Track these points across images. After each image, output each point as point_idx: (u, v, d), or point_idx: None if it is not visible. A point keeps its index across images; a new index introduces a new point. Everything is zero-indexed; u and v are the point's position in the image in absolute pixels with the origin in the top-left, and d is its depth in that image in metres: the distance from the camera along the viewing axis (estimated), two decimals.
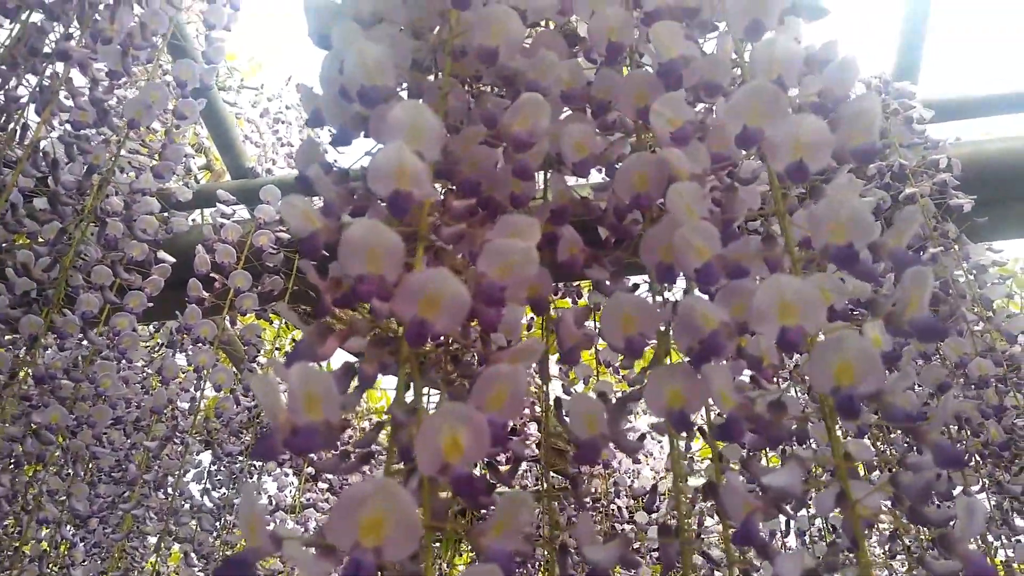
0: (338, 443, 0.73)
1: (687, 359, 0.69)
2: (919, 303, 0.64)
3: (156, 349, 2.78)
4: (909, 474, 0.57)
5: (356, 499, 0.49)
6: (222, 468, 2.85)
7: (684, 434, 0.67)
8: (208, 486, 2.64)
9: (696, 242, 0.71)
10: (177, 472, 2.39)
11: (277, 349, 2.31)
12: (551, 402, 0.96)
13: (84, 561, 2.52)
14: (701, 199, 0.76)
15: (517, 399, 0.59)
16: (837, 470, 0.60)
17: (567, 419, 0.73)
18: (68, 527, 2.42)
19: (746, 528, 0.58)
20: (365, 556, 0.48)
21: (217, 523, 2.77)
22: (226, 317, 1.97)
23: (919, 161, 1.83)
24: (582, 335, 0.78)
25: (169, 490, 2.47)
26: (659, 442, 3.02)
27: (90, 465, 2.53)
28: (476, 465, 0.58)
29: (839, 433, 0.65)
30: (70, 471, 2.37)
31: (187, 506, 2.67)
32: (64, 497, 2.24)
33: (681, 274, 0.78)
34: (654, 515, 2.94)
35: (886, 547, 1.70)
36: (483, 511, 0.59)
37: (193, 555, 2.71)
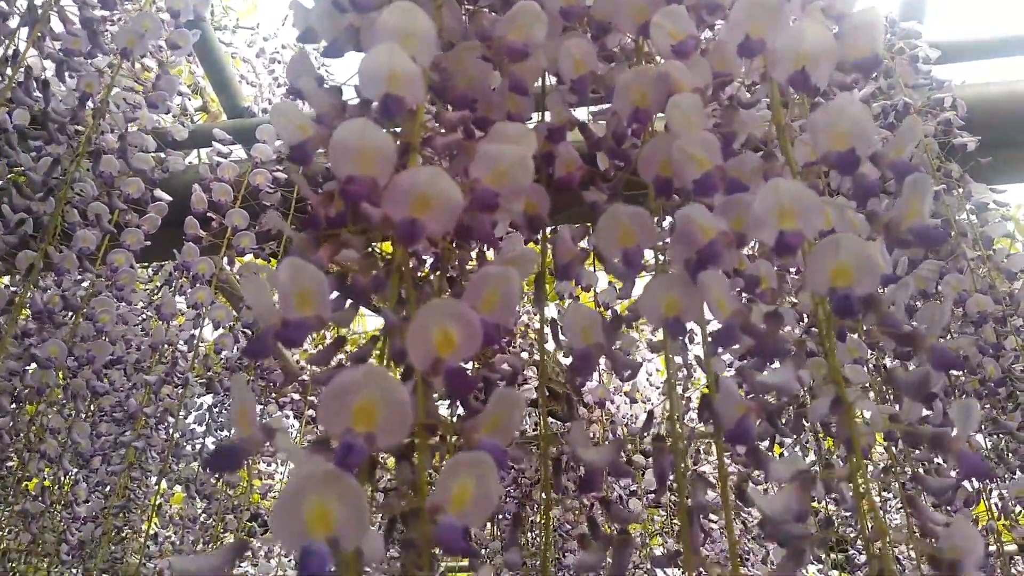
0: (333, 359, 0.73)
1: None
2: (919, 210, 0.63)
3: (155, 292, 2.78)
4: (904, 370, 0.57)
5: (347, 386, 0.49)
6: (223, 410, 2.86)
7: (679, 341, 0.67)
8: (209, 426, 2.65)
9: (695, 153, 0.70)
10: (178, 411, 2.41)
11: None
12: (547, 327, 0.96)
13: (87, 500, 2.55)
14: (701, 112, 0.75)
15: (509, 300, 0.59)
16: (831, 373, 0.60)
17: (563, 335, 0.73)
18: (71, 466, 2.45)
19: (739, 429, 0.58)
20: (356, 441, 0.48)
21: None
22: (223, 256, 1.96)
23: (924, 101, 1.81)
24: (578, 251, 0.77)
25: (170, 430, 2.49)
26: (657, 388, 3.03)
27: (92, 407, 2.55)
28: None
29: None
30: (72, 411, 2.39)
31: (188, 447, 2.69)
32: (65, 436, 2.26)
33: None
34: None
35: (879, 479, 1.71)
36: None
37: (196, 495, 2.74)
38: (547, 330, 0.93)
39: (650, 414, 0.84)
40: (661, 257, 0.74)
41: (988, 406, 1.64)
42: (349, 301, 0.66)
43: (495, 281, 0.59)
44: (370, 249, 0.68)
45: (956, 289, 1.41)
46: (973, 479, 1.35)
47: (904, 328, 0.60)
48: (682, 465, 0.68)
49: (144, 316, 2.52)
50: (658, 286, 0.67)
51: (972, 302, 1.41)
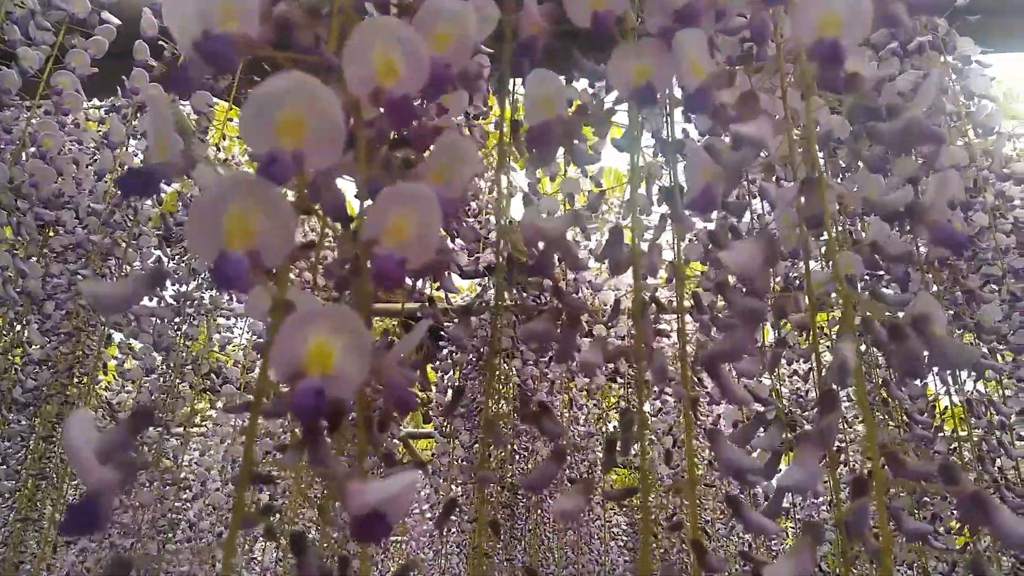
0: None
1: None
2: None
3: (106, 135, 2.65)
4: (887, 125, 0.53)
5: (271, 96, 0.43)
6: (181, 264, 2.80)
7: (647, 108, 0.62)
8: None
9: None
10: (134, 263, 2.35)
11: (230, 120, 2.21)
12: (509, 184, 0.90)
13: (40, 346, 2.51)
14: None
15: (464, 42, 0.53)
16: (808, 143, 0.55)
17: (525, 109, 0.67)
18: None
19: (704, 195, 0.54)
20: (283, 154, 0.43)
21: (177, 317, 2.76)
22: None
23: None
24: (544, 25, 0.71)
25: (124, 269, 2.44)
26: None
27: (44, 250, 2.48)
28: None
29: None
30: (23, 254, 2.32)
31: (146, 300, 2.65)
32: (16, 276, 2.20)
33: None
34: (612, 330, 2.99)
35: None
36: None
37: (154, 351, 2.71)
38: (507, 186, 0.87)
39: (616, 304, 0.80)
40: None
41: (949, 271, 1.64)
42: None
43: (449, 18, 0.53)
44: None
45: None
46: None
47: (881, 101, 0.55)
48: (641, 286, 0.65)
49: (96, 157, 2.41)
50: (628, 53, 0.62)
51: (945, 153, 1.37)
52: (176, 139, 0.48)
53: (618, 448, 0.58)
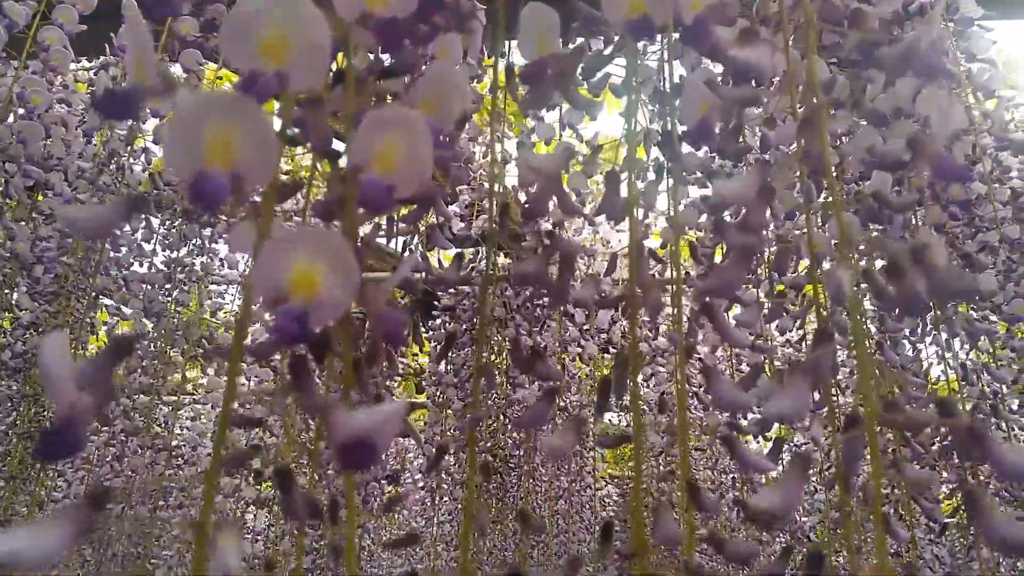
0: None
1: None
2: None
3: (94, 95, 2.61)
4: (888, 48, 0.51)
5: (253, 13, 0.42)
6: (172, 229, 2.78)
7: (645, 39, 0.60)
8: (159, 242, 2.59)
9: None
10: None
11: (219, 78, 2.17)
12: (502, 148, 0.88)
13: (30, 310, 2.50)
14: None
15: None
16: (809, 77, 0.54)
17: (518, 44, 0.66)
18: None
19: (701, 128, 0.53)
20: (265, 75, 0.41)
21: (168, 284, 2.74)
22: (163, 48, 1.83)
23: None
24: None
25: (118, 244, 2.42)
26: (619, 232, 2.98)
27: (33, 213, 2.45)
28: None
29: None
30: (10, 216, 2.29)
31: (136, 264, 2.65)
32: (5, 239, 2.18)
33: None
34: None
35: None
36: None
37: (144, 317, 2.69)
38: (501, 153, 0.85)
39: (613, 259, 0.79)
40: None
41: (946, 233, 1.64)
42: None
43: None
44: None
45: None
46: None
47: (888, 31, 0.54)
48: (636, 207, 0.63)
49: (83, 118, 2.38)
50: None
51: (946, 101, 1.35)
52: (154, 58, 0.46)
53: (612, 390, 0.58)
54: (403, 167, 0.45)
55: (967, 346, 1.88)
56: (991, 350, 2.04)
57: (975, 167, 1.45)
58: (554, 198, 0.62)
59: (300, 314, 0.39)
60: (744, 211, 0.52)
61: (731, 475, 2.85)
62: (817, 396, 0.59)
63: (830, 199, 0.53)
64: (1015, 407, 1.96)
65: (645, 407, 2.79)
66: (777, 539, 2.96)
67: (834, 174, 0.57)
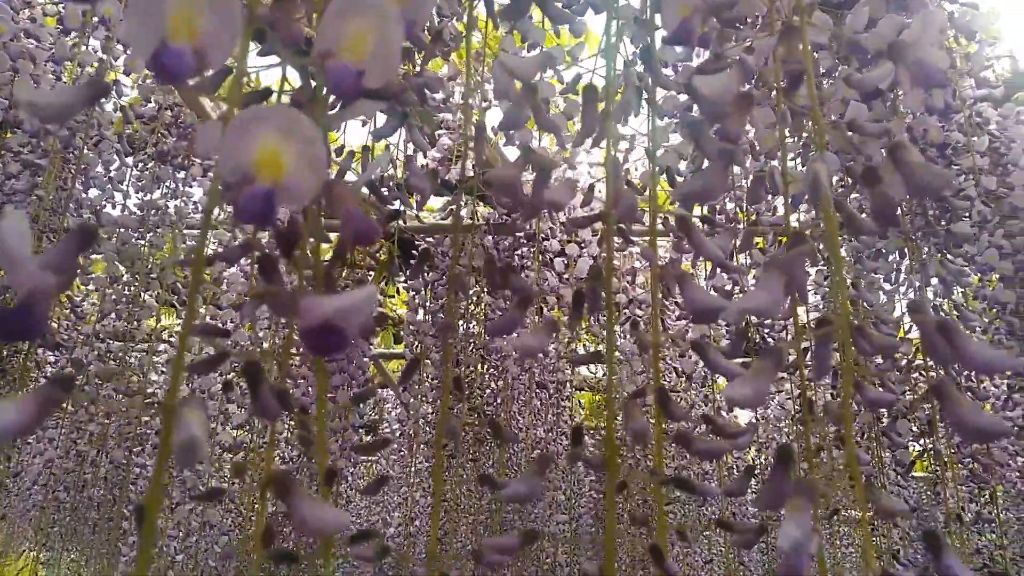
0: None
1: None
2: None
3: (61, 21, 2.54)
4: None
5: None
6: (145, 171, 2.73)
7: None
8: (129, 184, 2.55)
9: None
10: (96, 167, 2.31)
11: None
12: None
13: None
14: None
15: None
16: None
17: None
18: None
19: (682, 29, 0.52)
20: None
21: (141, 227, 2.70)
22: None
23: None
24: None
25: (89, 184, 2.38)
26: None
27: (1, 151, 2.40)
28: None
29: None
30: None
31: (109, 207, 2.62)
32: None
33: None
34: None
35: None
36: None
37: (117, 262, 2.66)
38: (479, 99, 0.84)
39: (590, 188, 0.78)
40: None
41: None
42: None
43: None
44: None
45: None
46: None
47: None
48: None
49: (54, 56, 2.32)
50: None
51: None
52: None
53: (585, 303, 0.57)
54: (374, 54, 0.43)
55: (940, 298, 1.90)
56: (964, 302, 2.06)
57: (956, 115, 1.45)
58: (529, 109, 0.61)
59: (266, 193, 0.38)
60: (723, 118, 0.51)
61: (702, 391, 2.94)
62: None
63: (807, 106, 0.52)
64: None
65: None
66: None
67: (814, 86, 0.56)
